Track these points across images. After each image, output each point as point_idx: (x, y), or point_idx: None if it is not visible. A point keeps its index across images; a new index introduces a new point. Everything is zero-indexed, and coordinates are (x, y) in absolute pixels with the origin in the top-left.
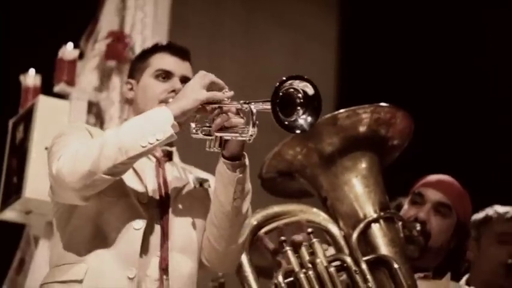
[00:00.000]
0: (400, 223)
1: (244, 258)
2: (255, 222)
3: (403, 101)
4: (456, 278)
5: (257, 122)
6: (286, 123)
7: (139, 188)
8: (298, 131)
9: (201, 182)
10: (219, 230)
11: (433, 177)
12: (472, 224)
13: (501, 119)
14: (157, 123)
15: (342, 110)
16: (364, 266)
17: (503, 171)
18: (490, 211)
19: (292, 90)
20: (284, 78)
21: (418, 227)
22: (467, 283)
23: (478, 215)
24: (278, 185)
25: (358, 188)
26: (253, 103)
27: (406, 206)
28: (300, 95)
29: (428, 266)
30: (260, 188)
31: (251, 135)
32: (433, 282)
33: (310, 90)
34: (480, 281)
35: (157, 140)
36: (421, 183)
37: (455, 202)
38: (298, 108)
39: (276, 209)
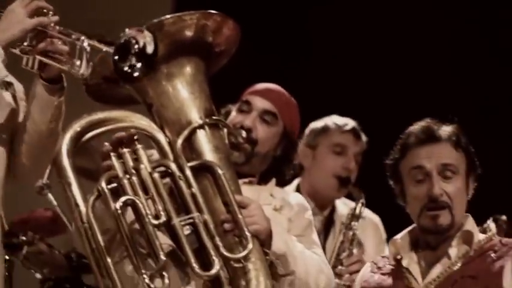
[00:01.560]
0: (225, 130)
1: (67, 164)
2: (78, 129)
3: (236, 11)
4: (281, 184)
5: (91, 64)
6: (124, 70)
7: None
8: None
9: (6, 85)
10: (28, 146)
11: (261, 86)
12: (310, 132)
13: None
14: None
15: (168, 16)
16: (188, 172)
17: (334, 81)
18: (329, 121)
19: (133, 41)
20: (132, 31)
21: (244, 134)
22: (298, 188)
23: (317, 124)
24: (104, 92)
25: (183, 94)
26: (85, 40)
27: (233, 114)
28: (136, 46)
29: (254, 172)
30: (85, 94)
31: (82, 74)
32: (258, 187)
33: (150, 48)
34: (311, 189)
35: None
36: (249, 91)
37: (282, 111)
38: (132, 57)
39: (100, 115)
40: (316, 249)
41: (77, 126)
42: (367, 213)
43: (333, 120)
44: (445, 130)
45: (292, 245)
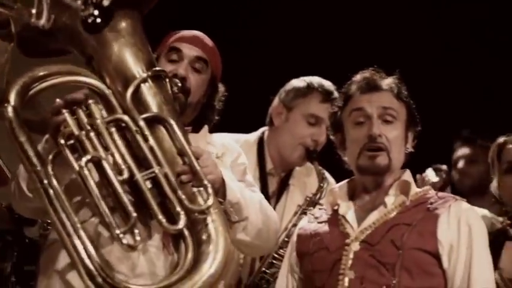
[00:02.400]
0: (167, 80)
1: (16, 123)
2: (26, 81)
3: None
4: (211, 131)
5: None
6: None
7: None
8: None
9: None
10: None
11: (186, 33)
12: (290, 91)
13: None
14: None
15: None
16: (142, 124)
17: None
18: (311, 85)
19: None
20: None
21: (179, 83)
22: (261, 139)
23: (299, 83)
24: (33, 45)
25: (127, 46)
26: None
27: (162, 62)
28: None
29: (187, 122)
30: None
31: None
32: (193, 136)
33: (106, 2)
34: (275, 150)
35: None
36: (176, 39)
37: (211, 57)
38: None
39: (43, 71)
40: (255, 189)
41: (20, 82)
42: (326, 175)
43: (316, 85)
44: (387, 80)
45: (243, 191)
